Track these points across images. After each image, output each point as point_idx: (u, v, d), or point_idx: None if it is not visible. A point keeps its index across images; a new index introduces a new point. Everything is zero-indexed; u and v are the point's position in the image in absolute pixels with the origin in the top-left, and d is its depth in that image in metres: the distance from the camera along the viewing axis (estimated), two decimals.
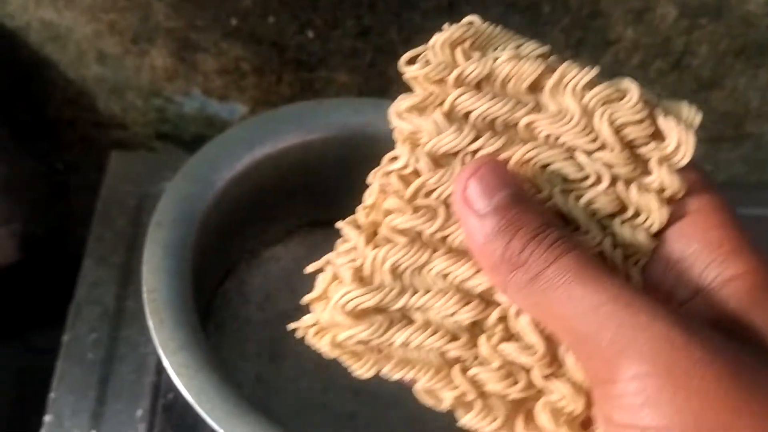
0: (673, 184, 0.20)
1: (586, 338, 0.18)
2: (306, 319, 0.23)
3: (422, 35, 0.69)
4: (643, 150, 0.21)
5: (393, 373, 0.22)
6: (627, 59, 0.61)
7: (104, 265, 0.56)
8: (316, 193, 0.53)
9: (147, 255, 0.40)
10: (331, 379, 0.50)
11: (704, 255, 0.19)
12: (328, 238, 0.58)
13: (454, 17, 0.62)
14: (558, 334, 0.20)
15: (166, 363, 0.37)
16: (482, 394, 0.22)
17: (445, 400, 0.22)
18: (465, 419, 0.22)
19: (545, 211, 0.20)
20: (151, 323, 0.38)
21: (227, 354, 0.51)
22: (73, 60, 0.61)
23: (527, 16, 0.58)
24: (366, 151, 0.50)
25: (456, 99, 0.22)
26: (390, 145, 0.23)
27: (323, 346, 0.23)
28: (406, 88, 0.24)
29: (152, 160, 0.64)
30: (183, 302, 0.39)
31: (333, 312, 0.22)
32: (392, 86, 0.60)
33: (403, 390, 0.51)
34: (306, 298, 0.23)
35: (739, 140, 0.71)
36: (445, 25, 0.23)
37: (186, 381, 0.37)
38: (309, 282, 0.56)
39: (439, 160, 0.22)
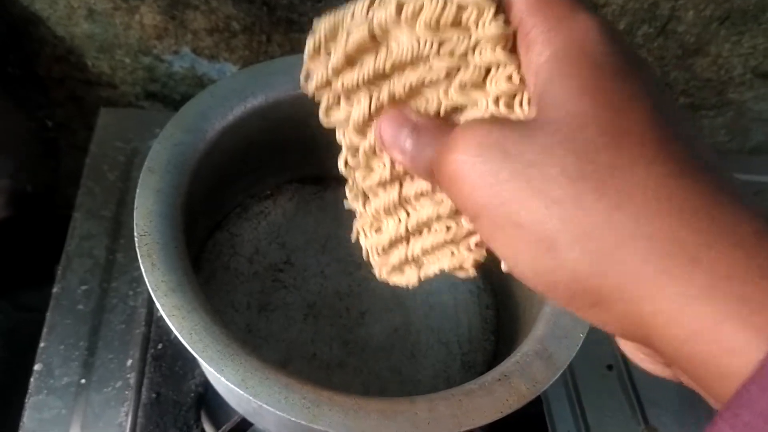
0: (495, 34, 0.24)
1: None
2: (373, 267, 0.31)
3: None
4: (464, 23, 0.25)
5: (429, 272, 0.30)
6: (614, 24, 0.62)
7: (95, 218, 0.56)
8: (306, 149, 0.54)
9: (139, 200, 0.40)
10: (319, 329, 0.51)
11: (531, 58, 0.23)
12: (317, 194, 0.59)
13: None
14: None
15: (158, 304, 0.38)
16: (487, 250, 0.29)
17: (470, 269, 0.29)
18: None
19: (434, 124, 0.26)
20: (143, 266, 0.39)
21: (217, 305, 0.51)
22: (63, 17, 0.61)
23: None
24: None
25: (342, 85, 0.27)
26: None
27: (385, 278, 0.31)
28: None
29: (142, 116, 0.64)
30: (175, 246, 0.40)
31: (374, 257, 0.30)
32: None
33: (388, 341, 0.52)
34: (364, 256, 0.31)
35: (721, 107, 0.72)
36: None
37: (177, 322, 0.37)
38: (297, 237, 0.56)
39: (363, 128, 0.28)
